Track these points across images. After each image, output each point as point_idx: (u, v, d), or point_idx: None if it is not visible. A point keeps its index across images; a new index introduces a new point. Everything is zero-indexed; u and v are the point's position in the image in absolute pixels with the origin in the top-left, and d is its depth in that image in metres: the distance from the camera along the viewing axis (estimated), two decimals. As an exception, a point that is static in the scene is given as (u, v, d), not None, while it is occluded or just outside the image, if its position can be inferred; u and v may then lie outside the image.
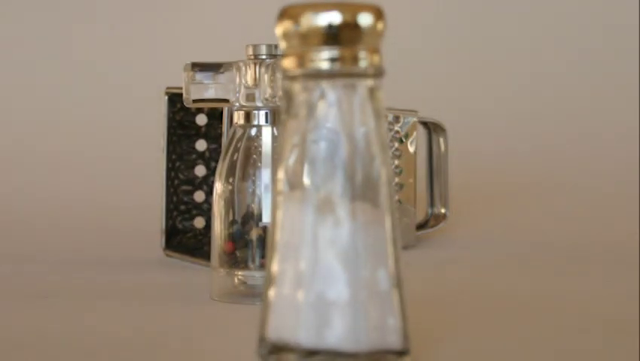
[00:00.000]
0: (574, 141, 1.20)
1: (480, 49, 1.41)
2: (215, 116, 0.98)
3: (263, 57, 0.80)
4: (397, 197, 0.98)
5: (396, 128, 0.99)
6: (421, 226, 1.02)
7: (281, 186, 0.58)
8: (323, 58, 0.56)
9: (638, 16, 1.41)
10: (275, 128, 0.80)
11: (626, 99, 1.30)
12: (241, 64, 0.81)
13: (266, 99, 0.80)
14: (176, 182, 0.98)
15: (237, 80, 0.81)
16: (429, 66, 1.39)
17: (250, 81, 0.81)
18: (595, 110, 1.28)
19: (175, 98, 0.96)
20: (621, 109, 1.28)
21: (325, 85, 0.57)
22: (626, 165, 1.12)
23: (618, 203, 1.04)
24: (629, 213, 1.00)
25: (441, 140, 1.02)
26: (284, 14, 0.57)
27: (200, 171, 0.99)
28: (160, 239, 0.97)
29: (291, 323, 0.57)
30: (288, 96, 0.58)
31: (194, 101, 0.81)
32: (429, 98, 1.23)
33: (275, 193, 0.58)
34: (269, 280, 0.58)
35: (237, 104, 0.81)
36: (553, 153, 1.18)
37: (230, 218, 0.80)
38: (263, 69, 0.80)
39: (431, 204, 1.03)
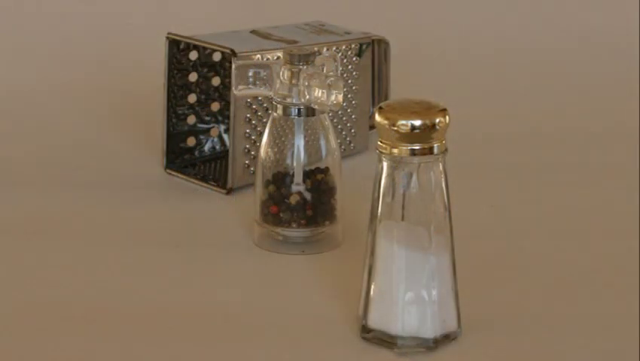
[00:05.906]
0: (574, 140, 1.20)
1: (481, 49, 1.41)
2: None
3: (298, 64, 0.88)
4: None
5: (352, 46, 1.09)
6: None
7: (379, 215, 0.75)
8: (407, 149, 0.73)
9: (639, 16, 1.41)
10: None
11: (626, 99, 1.30)
12: (280, 67, 0.89)
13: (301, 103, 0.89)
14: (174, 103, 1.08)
15: (276, 82, 0.89)
16: (430, 65, 1.39)
17: (285, 87, 0.89)
18: (595, 110, 1.28)
19: (175, 44, 1.04)
20: (621, 109, 1.28)
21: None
22: (626, 164, 1.12)
23: (618, 203, 1.04)
24: (629, 213, 1.00)
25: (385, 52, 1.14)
26: (380, 113, 0.74)
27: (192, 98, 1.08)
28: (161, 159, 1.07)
29: (388, 316, 0.75)
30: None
31: (239, 90, 0.91)
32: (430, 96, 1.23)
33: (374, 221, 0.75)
34: (369, 277, 0.76)
35: (277, 99, 0.90)
36: (553, 153, 1.17)
37: (267, 179, 0.91)
38: (299, 75, 0.88)
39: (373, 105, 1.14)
